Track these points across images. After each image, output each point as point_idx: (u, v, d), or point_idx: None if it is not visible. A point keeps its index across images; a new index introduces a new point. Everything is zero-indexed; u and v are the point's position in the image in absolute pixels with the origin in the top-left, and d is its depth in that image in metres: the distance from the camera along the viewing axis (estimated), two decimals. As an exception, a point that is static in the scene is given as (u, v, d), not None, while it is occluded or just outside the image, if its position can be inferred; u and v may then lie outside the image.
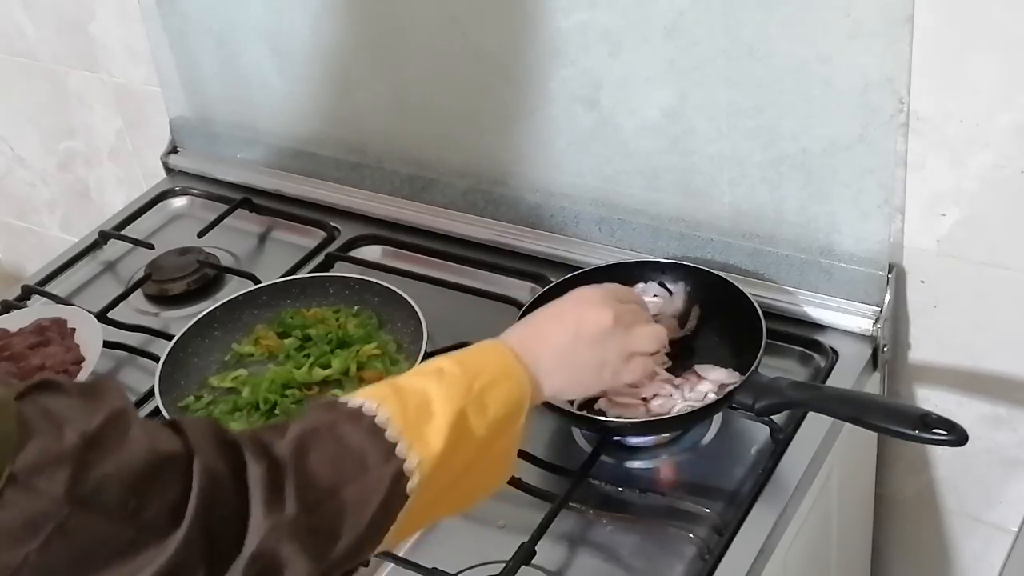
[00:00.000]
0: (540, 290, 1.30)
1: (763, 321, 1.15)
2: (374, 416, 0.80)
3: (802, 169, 1.20)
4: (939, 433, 0.97)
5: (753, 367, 1.09)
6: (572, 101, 1.31)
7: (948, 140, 1.13)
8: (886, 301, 1.22)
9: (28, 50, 1.86)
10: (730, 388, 1.09)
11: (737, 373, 1.13)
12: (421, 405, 0.83)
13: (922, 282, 1.24)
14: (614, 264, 1.27)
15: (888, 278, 1.21)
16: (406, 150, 1.50)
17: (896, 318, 1.26)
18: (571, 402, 1.11)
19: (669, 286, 1.24)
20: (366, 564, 0.82)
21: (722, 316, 1.21)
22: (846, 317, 1.23)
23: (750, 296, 1.18)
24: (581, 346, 0.95)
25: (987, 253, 1.18)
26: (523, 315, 1.18)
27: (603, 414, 1.12)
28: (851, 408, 1.06)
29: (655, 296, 1.22)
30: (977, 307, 1.22)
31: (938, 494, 1.39)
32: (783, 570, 1.10)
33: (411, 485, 0.79)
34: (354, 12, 1.42)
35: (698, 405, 1.10)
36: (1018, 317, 1.20)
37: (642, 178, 1.32)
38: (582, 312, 0.97)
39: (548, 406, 1.10)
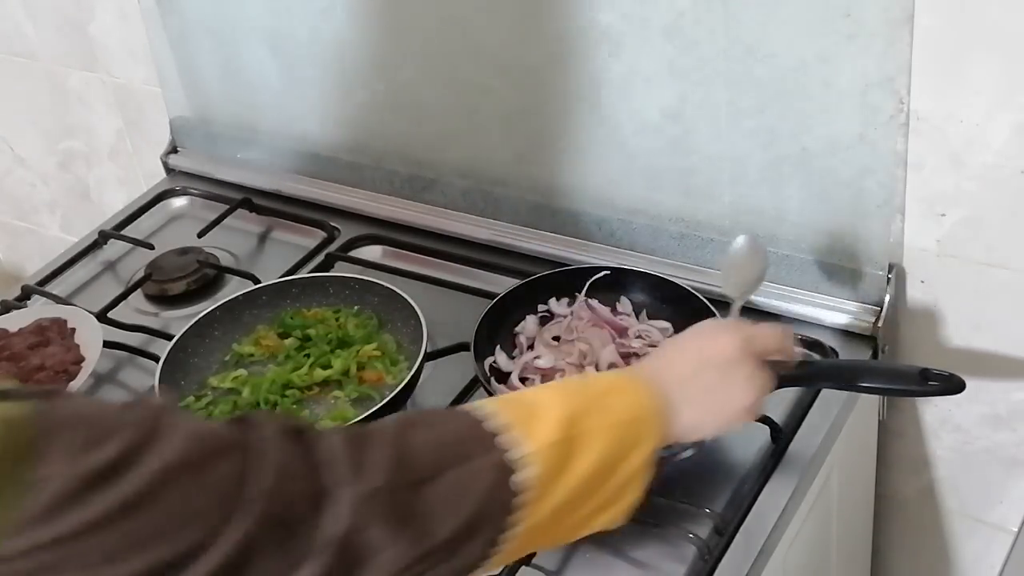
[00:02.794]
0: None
1: (715, 310, 1.18)
2: (475, 411, 0.76)
3: (802, 169, 1.20)
4: (936, 385, 1.00)
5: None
6: (572, 101, 1.31)
7: (948, 140, 1.13)
8: (886, 301, 1.22)
9: (28, 50, 1.86)
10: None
11: None
12: (529, 406, 0.78)
13: (922, 282, 1.24)
14: (556, 272, 1.30)
15: (888, 278, 1.21)
16: (406, 150, 1.50)
17: (896, 318, 1.26)
18: None
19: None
20: None
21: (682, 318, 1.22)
22: (846, 317, 1.24)
23: (690, 288, 1.22)
24: (706, 372, 0.88)
25: (987, 253, 1.18)
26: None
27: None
28: (849, 376, 1.06)
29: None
30: (977, 307, 1.22)
31: (938, 494, 1.39)
32: (783, 570, 1.10)
33: (521, 479, 0.73)
34: (354, 12, 1.42)
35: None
36: (1018, 317, 1.20)
37: (642, 178, 1.32)
38: (702, 341, 0.92)
39: None
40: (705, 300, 1.21)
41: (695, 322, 1.19)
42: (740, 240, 1.12)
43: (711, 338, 0.91)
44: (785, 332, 0.97)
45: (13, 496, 0.56)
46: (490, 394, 1.16)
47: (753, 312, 1.26)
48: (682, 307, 1.22)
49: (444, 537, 0.71)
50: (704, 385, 0.88)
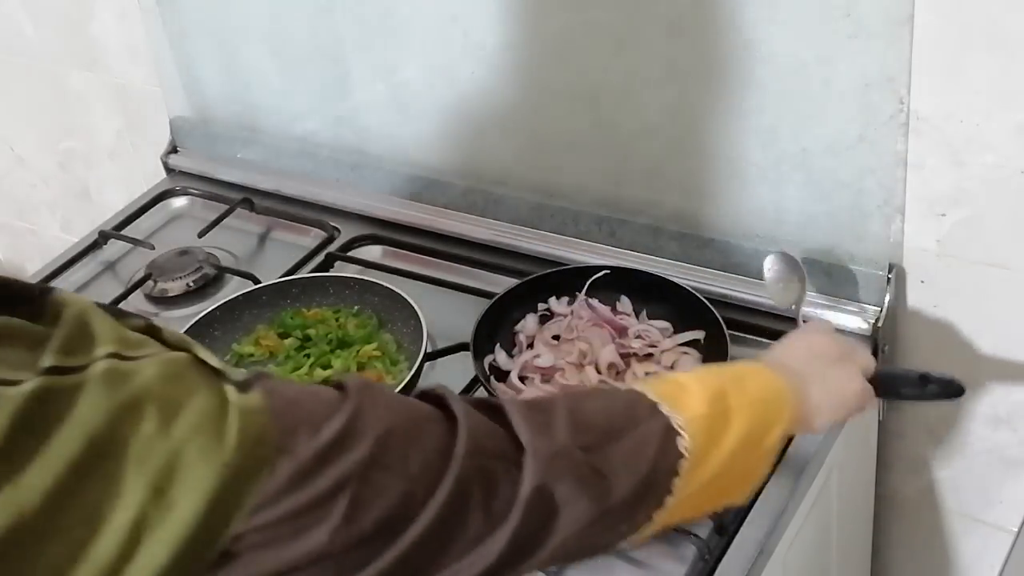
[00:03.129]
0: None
1: (714, 310, 1.19)
2: (630, 386, 0.82)
3: (802, 169, 1.20)
4: (936, 389, 1.02)
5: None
6: (572, 101, 1.31)
7: (948, 140, 1.13)
8: (886, 301, 1.22)
9: (28, 50, 1.86)
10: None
11: None
12: (674, 384, 0.83)
13: (922, 282, 1.24)
14: (559, 271, 1.31)
15: (888, 278, 1.21)
16: (406, 150, 1.50)
17: (896, 318, 1.26)
18: None
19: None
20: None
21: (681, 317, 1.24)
22: (846, 317, 1.23)
23: (690, 288, 1.23)
24: (819, 361, 0.95)
25: (987, 253, 1.18)
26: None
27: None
28: None
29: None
30: (977, 307, 1.22)
31: (938, 494, 1.39)
32: (783, 570, 1.10)
33: (683, 444, 0.78)
34: (354, 12, 1.42)
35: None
36: (1018, 317, 1.20)
37: (642, 178, 1.32)
38: (808, 338, 0.99)
39: None
40: (705, 300, 1.21)
41: (695, 322, 1.20)
42: (770, 260, 1.20)
43: (816, 336, 1.00)
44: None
45: (265, 474, 0.61)
46: (490, 393, 1.16)
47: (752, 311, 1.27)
48: (682, 307, 1.22)
49: (622, 496, 0.75)
50: (821, 372, 0.94)
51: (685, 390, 0.82)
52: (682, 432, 0.78)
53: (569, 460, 0.73)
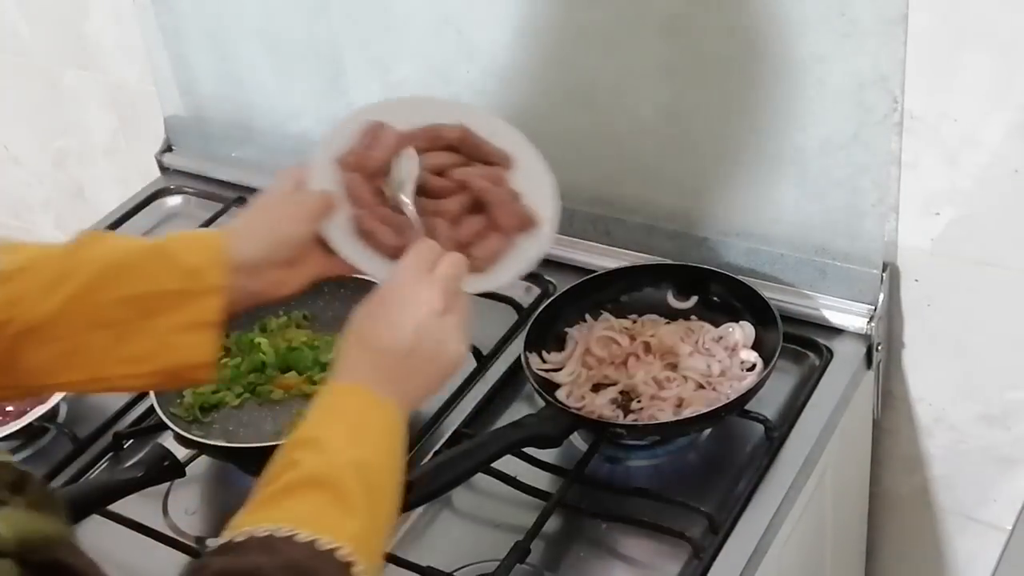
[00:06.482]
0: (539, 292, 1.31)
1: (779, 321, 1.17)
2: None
3: (796, 168, 1.20)
4: None
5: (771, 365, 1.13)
6: (567, 100, 1.31)
7: (942, 139, 1.13)
8: (880, 300, 1.22)
9: (22, 48, 1.86)
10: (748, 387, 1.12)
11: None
12: (322, 501, 0.78)
13: (916, 281, 1.24)
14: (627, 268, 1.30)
15: (882, 277, 1.22)
16: (401, 149, 1.50)
17: (890, 317, 1.26)
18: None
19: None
20: None
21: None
22: (840, 316, 1.24)
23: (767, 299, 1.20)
24: (422, 341, 0.86)
25: (981, 252, 1.18)
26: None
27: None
28: None
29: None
30: (971, 306, 1.22)
31: (932, 493, 1.39)
32: (778, 569, 1.10)
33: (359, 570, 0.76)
34: (349, 10, 1.42)
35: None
36: (1011, 316, 1.20)
37: (638, 177, 1.32)
38: (406, 306, 0.87)
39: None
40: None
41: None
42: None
43: (413, 297, 0.88)
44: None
45: None
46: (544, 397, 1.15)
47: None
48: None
49: None
50: (423, 358, 0.87)
51: (340, 500, 0.78)
52: (354, 562, 0.75)
53: None
